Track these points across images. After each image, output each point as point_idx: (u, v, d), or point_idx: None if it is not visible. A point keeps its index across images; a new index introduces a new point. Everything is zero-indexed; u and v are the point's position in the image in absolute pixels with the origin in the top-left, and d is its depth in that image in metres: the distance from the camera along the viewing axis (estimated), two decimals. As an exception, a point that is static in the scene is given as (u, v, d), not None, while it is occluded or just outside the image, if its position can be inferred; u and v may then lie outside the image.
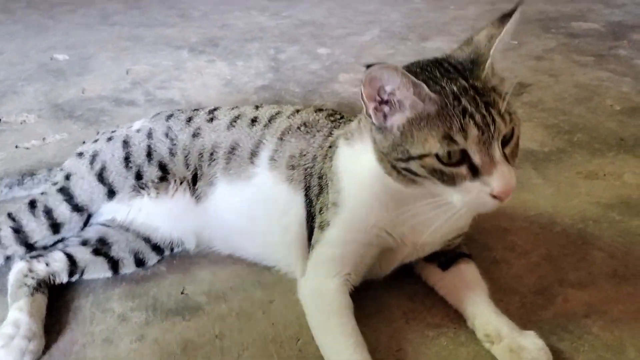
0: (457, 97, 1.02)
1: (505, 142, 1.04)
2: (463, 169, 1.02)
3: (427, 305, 1.32)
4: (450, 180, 1.03)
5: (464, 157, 1.01)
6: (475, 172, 1.02)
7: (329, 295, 1.22)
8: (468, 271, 1.32)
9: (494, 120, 1.00)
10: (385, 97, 1.04)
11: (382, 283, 1.35)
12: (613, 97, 2.38)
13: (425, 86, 1.01)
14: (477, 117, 1.00)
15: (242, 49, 2.91)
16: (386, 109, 1.06)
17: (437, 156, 1.02)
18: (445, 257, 1.34)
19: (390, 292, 1.35)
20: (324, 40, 3.03)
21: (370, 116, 1.07)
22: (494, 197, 1.02)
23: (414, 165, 1.05)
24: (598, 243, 1.52)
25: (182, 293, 1.35)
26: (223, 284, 1.37)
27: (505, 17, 1.09)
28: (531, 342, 1.14)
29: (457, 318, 1.27)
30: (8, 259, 1.36)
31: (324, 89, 2.47)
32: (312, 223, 1.31)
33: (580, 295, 1.35)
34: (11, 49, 2.86)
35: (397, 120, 1.06)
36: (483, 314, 1.21)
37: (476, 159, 1.01)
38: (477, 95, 1.02)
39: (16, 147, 1.97)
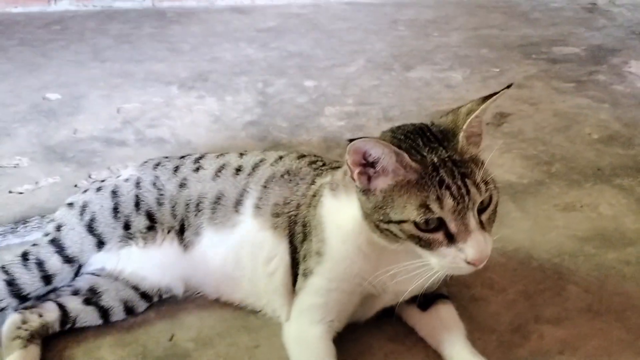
0: (436, 168, 1.09)
1: (483, 209, 1.11)
2: (439, 235, 1.09)
3: (407, 346, 1.37)
4: (427, 245, 1.10)
5: (441, 224, 1.09)
6: (451, 238, 1.09)
7: (312, 342, 1.27)
8: (446, 312, 1.37)
9: (468, 191, 1.08)
10: (370, 160, 1.11)
11: (363, 324, 1.40)
12: (591, 125, 2.45)
13: (407, 155, 1.09)
14: (453, 188, 1.07)
15: (230, 83, 2.98)
16: (371, 171, 1.13)
17: (415, 223, 1.09)
18: (425, 298, 1.39)
19: (371, 333, 1.40)
20: (311, 72, 3.10)
21: (354, 180, 1.14)
22: (469, 264, 1.09)
23: (393, 228, 1.12)
24: (573, 278, 1.58)
25: (170, 340, 1.39)
26: (210, 330, 1.42)
27: (488, 97, 1.16)
28: (506, 383, 1.19)
29: (437, 359, 1.32)
30: (1, 310, 1.40)
31: (310, 123, 2.53)
32: (296, 269, 1.37)
33: (555, 331, 1.40)
34: (3, 89, 2.92)
35: (380, 184, 1.13)
36: (459, 355, 1.27)
37: (452, 227, 1.08)
38: (455, 166, 1.10)
39: (10, 192, 2.02)
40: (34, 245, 1.47)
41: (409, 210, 1.08)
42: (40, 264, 1.41)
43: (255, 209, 1.43)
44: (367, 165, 1.12)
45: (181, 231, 1.48)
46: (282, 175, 1.47)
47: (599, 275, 1.58)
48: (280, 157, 1.54)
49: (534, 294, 1.52)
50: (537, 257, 1.66)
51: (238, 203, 1.45)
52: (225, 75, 3.09)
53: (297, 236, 1.38)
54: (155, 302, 1.50)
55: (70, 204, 1.53)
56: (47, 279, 1.41)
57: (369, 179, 1.14)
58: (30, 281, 1.40)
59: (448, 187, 1.07)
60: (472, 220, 1.08)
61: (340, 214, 1.27)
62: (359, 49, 3.47)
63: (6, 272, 1.41)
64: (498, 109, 2.59)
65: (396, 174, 1.10)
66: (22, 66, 3.24)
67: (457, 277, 1.56)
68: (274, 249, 1.40)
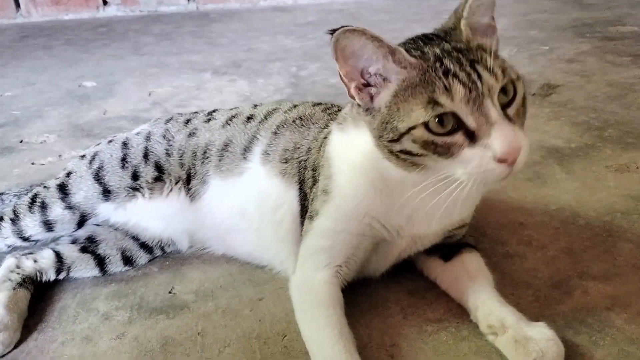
0: (439, 58, 0.94)
1: (508, 103, 0.95)
2: (459, 137, 0.92)
3: (427, 300, 1.21)
4: (446, 152, 0.93)
5: (459, 124, 0.92)
6: (472, 137, 0.92)
7: (316, 287, 1.14)
8: (471, 261, 1.21)
9: (480, 77, 0.91)
10: (372, 81, 0.98)
11: (381, 279, 1.26)
12: (650, 94, 2.23)
13: (403, 51, 0.95)
14: (462, 75, 0.91)
15: (264, 69, 2.92)
16: (373, 90, 0.99)
17: (426, 126, 0.93)
18: (448, 249, 1.24)
19: (388, 288, 1.25)
20: (347, 57, 3.00)
21: (353, 97, 1.00)
22: (500, 161, 0.91)
23: (406, 144, 0.96)
24: (626, 235, 1.38)
25: (170, 292, 1.29)
26: (213, 283, 1.31)
27: None
28: (539, 332, 1.02)
29: (460, 313, 1.17)
30: (10, 247, 1.40)
31: (342, 100, 2.40)
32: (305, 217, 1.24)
33: (603, 287, 1.21)
34: (43, 79, 2.96)
35: (384, 98, 0.99)
36: (485, 304, 1.10)
37: (470, 121, 0.91)
38: (461, 54, 0.94)
39: (32, 163, 2.00)
40: (44, 187, 1.42)
41: (416, 112, 0.93)
42: (43, 208, 1.37)
43: (264, 156, 1.32)
44: (368, 85, 0.99)
45: (188, 181, 1.39)
46: (293, 121, 1.36)
47: (656, 233, 1.38)
48: (295, 106, 1.43)
49: (578, 251, 1.33)
50: (583, 216, 1.47)
51: (246, 150, 1.35)
52: (260, 62, 3.04)
53: (307, 182, 1.25)
54: (159, 257, 1.41)
55: (83, 156, 1.48)
56: (47, 224, 1.37)
57: (372, 98, 1.00)
58: (31, 224, 1.37)
59: (455, 75, 0.91)
60: (492, 109, 0.91)
61: (348, 147, 1.14)
62: (400, 36, 3.30)
63: (14, 212, 1.40)
64: (546, 80, 2.40)
65: (397, 78, 0.95)
66: (63, 61, 3.30)
67: (490, 233, 1.41)
68: (282, 196, 1.27)
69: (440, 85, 0.91)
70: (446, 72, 0.92)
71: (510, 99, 0.94)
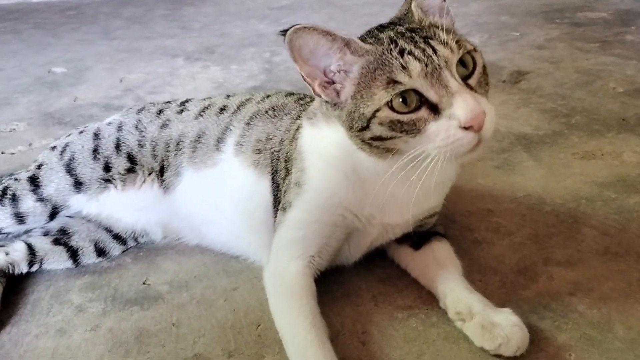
0: (393, 40, 0.97)
1: (469, 75, 0.98)
2: (422, 112, 0.94)
3: (398, 288, 1.24)
4: (414, 130, 0.95)
5: (421, 99, 0.94)
6: (436, 110, 0.94)
7: (290, 277, 1.15)
8: (440, 249, 1.24)
9: (435, 51, 0.94)
10: (336, 78, 1.00)
11: (353, 267, 1.28)
12: (616, 80, 2.28)
13: (357, 40, 0.97)
14: (417, 52, 0.94)
15: (237, 54, 2.90)
16: (338, 86, 1.01)
17: (390, 107, 0.95)
18: (418, 237, 1.26)
19: (360, 276, 1.28)
20: (321, 42, 3.00)
21: (319, 95, 1.02)
22: (466, 128, 0.92)
23: (375, 128, 0.98)
24: (590, 221, 1.43)
25: (144, 283, 1.30)
26: (187, 274, 1.32)
27: None
28: (505, 318, 1.05)
29: (430, 300, 1.20)
30: None
31: (316, 87, 2.42)
32: (278, 207, 1.26)
33: (566, 273, 1.26)
34: (11, 65, 2.90)
35: (348, 90, 1.01)
36: (453, 291, 1.13)
37: (431, 95, 0.93)
38: (414, 33, 0.97)
39: (2, 153, 1.97)
40: (15, 179, 1.41)
41: (378, 95, 0.95)
42: (14, 201, 1.35)
43: (237, 147, 1.32)
44: (333, 83, 1.01)
45: (161, 172, 1.39)
46: (266, 111, 1.36)
47: (619, 219, 1.42)
48: (268, 96, 1.44)
49: (544, 237, 1.38)
50: (550, 203, 1.51)
51: (219, 141, 1.35)
52: (233, 48, 3.02)
53: (280, 172, 1.27)
54: (133, 248, 1.42)
55: (53, 147, 1.47)
56: (19, 216, 1.35)
57: (338, 93, 1.02)
58: (2, 216, 1.35)
59: (411, 53, 0.94)
60: (451, 80, 0.93)
61: (320, 141, 1.15)
62: (374, 21, 3.30)
63: None
64: (516, 67, 2.43)
65: (357, 68, 0.98)
66: (32, 45, 3.24)
67: (459, 220, 1.44)
68: (255, 187, 1.28)
69: (397, 64, 0.94)
70: (401, 52, 0.94)
71: (471, 70, 0.97)
